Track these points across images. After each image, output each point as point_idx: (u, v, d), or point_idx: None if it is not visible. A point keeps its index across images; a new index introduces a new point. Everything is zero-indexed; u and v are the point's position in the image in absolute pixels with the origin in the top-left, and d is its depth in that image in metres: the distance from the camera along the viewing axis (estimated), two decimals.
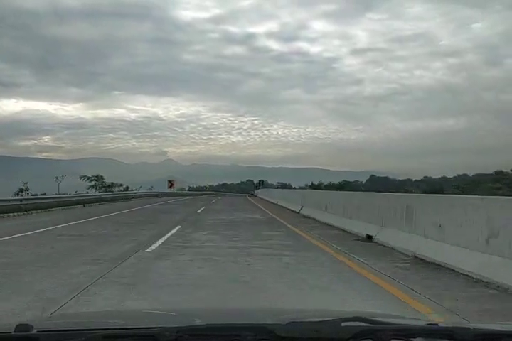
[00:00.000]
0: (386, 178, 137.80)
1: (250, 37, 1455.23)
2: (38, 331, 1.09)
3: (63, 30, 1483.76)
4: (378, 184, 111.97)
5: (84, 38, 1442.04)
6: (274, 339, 1.05)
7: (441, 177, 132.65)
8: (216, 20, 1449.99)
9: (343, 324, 1.08)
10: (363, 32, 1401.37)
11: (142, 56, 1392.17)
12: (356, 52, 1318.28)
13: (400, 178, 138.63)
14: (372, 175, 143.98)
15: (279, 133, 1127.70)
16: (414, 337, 1.06)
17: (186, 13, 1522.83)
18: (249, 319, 1.44)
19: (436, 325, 1.14)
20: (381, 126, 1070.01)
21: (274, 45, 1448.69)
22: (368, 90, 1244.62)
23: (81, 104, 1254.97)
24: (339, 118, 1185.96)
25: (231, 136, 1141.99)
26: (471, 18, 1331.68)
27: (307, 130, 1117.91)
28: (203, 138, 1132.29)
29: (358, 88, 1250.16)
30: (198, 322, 1.33)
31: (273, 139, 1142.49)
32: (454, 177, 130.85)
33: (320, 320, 1.14)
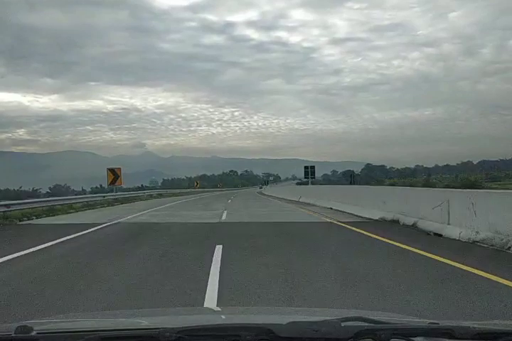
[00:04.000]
0: (382, 167, 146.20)
1: (229, 26, 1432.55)
2: (37, 333, 1.10)
3: (35, 17, 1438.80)
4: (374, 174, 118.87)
5: (57, 26, 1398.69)
6: (274, 339, 1.05)
7: (445, 165, 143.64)
8: (194, 8, 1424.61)
9: (343, 324, 1.09)
10: (342, 21, 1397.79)
11: (118, 45, 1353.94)
12: (335, 41, 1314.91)
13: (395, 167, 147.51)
14: (368, 164, 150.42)
15: (259, 124, 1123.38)
16: (415, 337, 1.08)
17: (163, 1, 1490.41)
18: (249, 319, 1.45)
19: (437, 324, 1.16)
20: (360, 116, 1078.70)
21: (254, 35, 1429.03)
22: (347, 80, 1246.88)
23: (56, 95, 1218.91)
24: (319, 108, 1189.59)
25: (211, 128, 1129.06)
26: (448, 7, 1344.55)
27: (287, 121, 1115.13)
28: (182, 130, 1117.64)
29: (338, 78, 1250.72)
30: (198, 322, 1.34)
31: (253, 130, 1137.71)
32: (458, 164, 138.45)
33: (320, 319, 1.15)
